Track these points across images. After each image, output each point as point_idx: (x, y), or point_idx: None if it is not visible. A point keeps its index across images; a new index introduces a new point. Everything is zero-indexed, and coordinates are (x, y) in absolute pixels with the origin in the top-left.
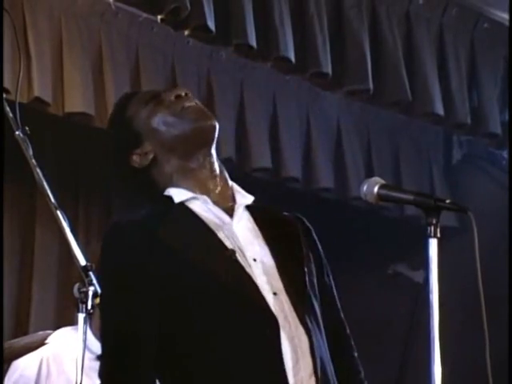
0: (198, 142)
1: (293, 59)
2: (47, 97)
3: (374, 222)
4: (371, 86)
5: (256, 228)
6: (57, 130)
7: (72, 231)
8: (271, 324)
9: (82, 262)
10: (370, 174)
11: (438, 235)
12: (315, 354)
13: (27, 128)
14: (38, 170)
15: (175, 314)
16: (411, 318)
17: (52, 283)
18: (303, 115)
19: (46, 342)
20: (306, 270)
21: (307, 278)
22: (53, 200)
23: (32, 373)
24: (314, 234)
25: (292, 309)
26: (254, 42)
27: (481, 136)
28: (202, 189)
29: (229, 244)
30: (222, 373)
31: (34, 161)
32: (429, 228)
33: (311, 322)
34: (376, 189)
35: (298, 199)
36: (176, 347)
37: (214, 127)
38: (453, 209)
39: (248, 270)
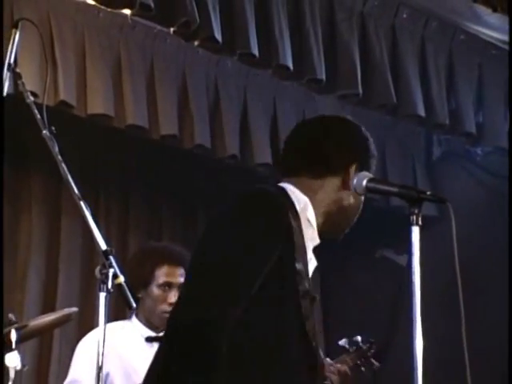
0: (337, 233)
1: (291, 67)
2: (72, 100)
3: (362, 212)
4: (360, 90)
5: None
6: (80, 129)
7: (94, 219)
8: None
9: (103, 246)
10: None
11: (420, 223)
12: None
13: (53, 128)
14: (63, 165)
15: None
16: (396, 297)
17: (76, 265)
18: (300, 116)
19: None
20: None
21: None
22: (76, 192)
23: (93, 358)
24: None
25: None
26: (256, 52)
27: (458, 135)
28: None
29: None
30: None
31: (59, 157)
32: (412, 217)
33: None
34: (365, 182)
35: None
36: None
37: None
38: (433, 200)
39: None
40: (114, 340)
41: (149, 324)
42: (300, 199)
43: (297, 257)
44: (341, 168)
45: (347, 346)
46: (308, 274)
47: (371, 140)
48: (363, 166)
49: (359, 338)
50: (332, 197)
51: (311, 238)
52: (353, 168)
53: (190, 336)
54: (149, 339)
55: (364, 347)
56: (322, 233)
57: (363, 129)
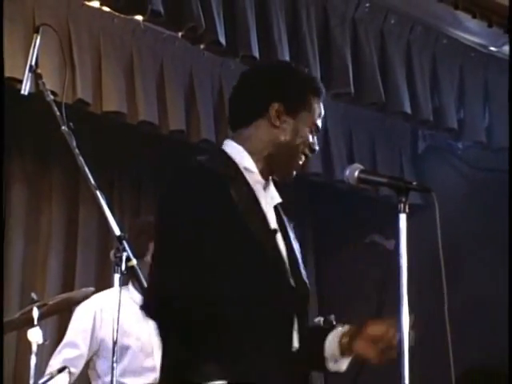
0: (284, 174)
1: None
2: (88, 98)
3: (354, 201)
4: (352, 89)
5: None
6: (96, 125)
7: (108, 207)
8: (291, 298)
9: (117, 232)
10: (351, 161)
11: (407, 211)
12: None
13: (71, 124)
14: (81, 158)
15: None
16: (384, 279)
17: (92, 249)
18: None
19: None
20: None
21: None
22: (93, 182)
23: (89, 322)
24: None
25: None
26: (257, 54)
27: (441, 130)
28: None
29: (272, 224)
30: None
31: (77, 150)
32: (399, 205)
33: None
34: (356, 173)
35: (292, 182)
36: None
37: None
38: (419, 189)
39: (281, 248)
40: (110, 306)
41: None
42: (235, 151)
43: (240, 205)
44: (263, 108)
45: (322, 325)
46: (263, 212)
47: (304, 78)
48: (290, 105)
49: (333, 317)
50: (265, 139)
51: (256, 181)
52: (274, 106)
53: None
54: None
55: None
56: (274, 176)
57: (296, 68)
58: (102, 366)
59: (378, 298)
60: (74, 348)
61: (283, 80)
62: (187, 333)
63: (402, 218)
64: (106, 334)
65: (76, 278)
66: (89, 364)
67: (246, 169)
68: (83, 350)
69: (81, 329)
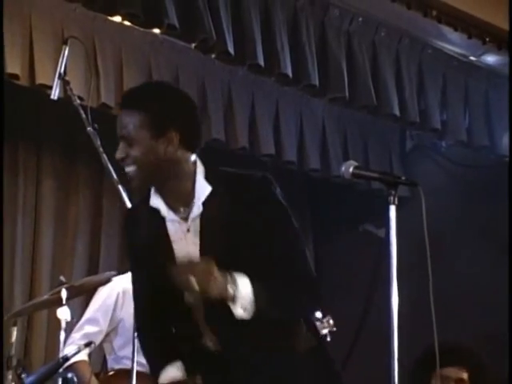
0: None
1: (290, 75)
2: (111, 102)
3: (349, 194)
4: (347, 94)
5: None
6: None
7: (129, 200)
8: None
9: None
10: (346, 158)
11: (396, 203)
12: None
13: (96, 125)
14: (104, 156)
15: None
16: (376, 264)
17: (115, 237)
18: (297, 115)
19: (113, 279)
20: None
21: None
22: (115, 177)
23: (111, 302)
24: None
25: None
26: (262, 62)
27: (426, 131)
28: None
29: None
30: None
31: (101, 149)
32: (389, 197)
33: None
34: (351, 169)
35: (294, 177)
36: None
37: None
38: (406, 183)
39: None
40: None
41: None
42: None
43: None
44: None
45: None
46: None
47: None
48: None
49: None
50: None
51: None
52: None
53: None
54: None
55: (323, 321)
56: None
57: None
58: (118, 342)
59: (369, 284)
60: (94, 324)
61: None
62: None
63: (392, 209)
64: (126, 315)
65: (100, 262)
66: (105, 337)
67: None
68: (103, 327)
69: (103, 307)
